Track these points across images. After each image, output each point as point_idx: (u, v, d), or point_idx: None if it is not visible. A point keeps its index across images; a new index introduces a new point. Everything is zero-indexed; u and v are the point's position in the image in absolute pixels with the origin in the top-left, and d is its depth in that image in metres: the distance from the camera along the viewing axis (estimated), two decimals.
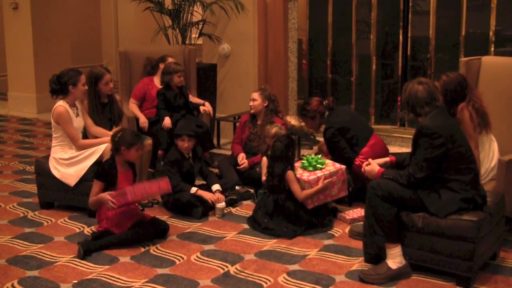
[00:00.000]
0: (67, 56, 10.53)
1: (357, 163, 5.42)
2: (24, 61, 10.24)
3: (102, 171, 4.89)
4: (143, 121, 6.51)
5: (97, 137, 5.58)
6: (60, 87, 5.36)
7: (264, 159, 5.48)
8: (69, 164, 5.37)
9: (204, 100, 6.91)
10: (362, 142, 5.55)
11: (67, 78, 5.36)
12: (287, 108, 8.15)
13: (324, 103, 5.72)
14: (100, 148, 5.28)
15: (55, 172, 5.42)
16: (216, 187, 5.58)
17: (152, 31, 8.48)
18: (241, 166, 6.09)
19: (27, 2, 10.00)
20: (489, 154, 4.78)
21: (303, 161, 5.25)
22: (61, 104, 5.35)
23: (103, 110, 5.77)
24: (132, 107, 6.74)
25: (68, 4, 11.08)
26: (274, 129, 5.53)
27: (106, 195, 4.71)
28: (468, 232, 3.92)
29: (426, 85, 4.12)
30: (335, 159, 5.50)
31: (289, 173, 5.06)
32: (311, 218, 5.02)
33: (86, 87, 5.50)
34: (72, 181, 5.34)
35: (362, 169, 4.52)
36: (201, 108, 6.70)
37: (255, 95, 6.28)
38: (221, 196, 5.48)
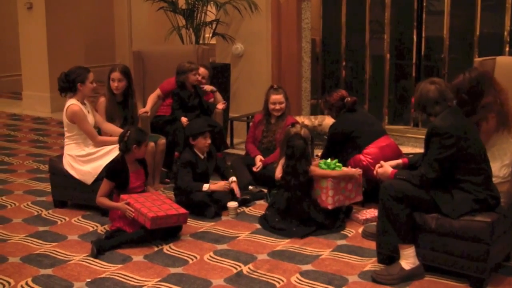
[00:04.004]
0: (81, 55, 10.56)
1: (364, 163, 5.41)
2: (38, 61, 10.28)
3: (114, 172, 4.91)
4: (144, 110, 6.49)
5: (107, 134, 5.66)
6: (68, 84, 5.39)
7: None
8: (85, 161, 5.39)
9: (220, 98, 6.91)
10: (366, 144, 5.53)
11: (75, 75, 5.39)
12: (300, 108, 8.13)
13: (345, 100, 5.71)
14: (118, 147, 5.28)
15: (70, 170, 5.44)
16: (233, 178, 5.63)
17: (165, 31, 8.49)
18: (257, 169, 6.09)
19: (41, 2, 10.03)
20: (506, 153, 4.73)
21: (320, 164, 5.24)
22: (74, 103, 5.38)
23: (118, 107, 5.82)
24: (150, 97, 6.73)
25: (82, 3, 11.11)
26: (299, 129, 5.47)
27: (124, 206, 4.76)
28: (482, 233, 3.91)
29: (438, 85, 4.12)
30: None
31: (311, 167, 5.09)
32: (323, 220, 5.01)
33: (94, 85, 5.54)
34: (89, 179, 5.35)
35: (375, 172, 4.51)
36: (217, 106, 6.73)
37: (281, 98, 6.19)
38: (236, 188, 5.55)
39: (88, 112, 5.52)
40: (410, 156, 4.86)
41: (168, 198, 5.13)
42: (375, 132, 5.63)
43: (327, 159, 5.37)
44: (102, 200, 4.91)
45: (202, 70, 6.75)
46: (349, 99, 5.71)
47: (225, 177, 5.75)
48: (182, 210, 4.90)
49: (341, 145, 5.62)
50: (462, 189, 4.01)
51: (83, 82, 5.41)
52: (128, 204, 4.74)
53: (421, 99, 4.14)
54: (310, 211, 5.00)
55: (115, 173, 4.91)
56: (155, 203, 4.82)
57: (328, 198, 5.04)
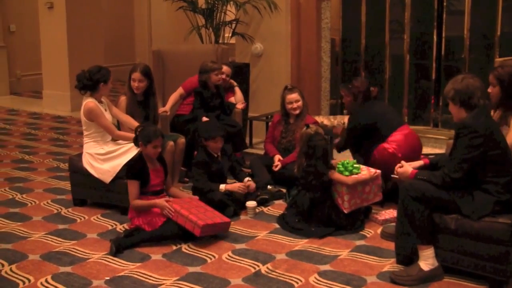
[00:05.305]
0: (101, 54, 10.62)
1: (390, 151, 5.36)
2: (58, 60, 10.35)
3: (134, 171, 4.93)
4: (163, 110, 6.53)
5: (125, 125, 5.72)
6: (92, 83, 5.44)
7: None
8: (105, 159, 5.42)
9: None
10: (389, 132, 5.48)
11: (100, 75, 5.45)
12: (320, 108, 8.12)
13: (371, 88, 5.66)
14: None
15: (89, 168, 5.47)
16: (247, 179, 5.62)
17: (185, 30, 8.52)
18: (276, 169, 6.09)
19: (62, 1, 10.10)
20: None
21: (338, 166, 5.21)
22: (90, 100, 5.43)
23: (138, 106, 5.86)
24: (172, 96, 6.76)
25: (102, 3, 11.17)
26: (315, 128, 5.45)
27: (163, 202, 4.79)
28: (502, 234, 3.88)
29: (478, 79, 4.07)
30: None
31: (331, 171, 5.07)
32: (342, 221, 5.00)
33: (112, 85, 5.66)
34: (108, 177, 5.38)
35: (395, 172, 4.48)
36: (237, 106, 6.74)
37: (297, 96, 6.20)
38: (252, 184, 5.54)
39: (105, 110, 5.55)
40: (431, 156, 4.83)
41: (207, 205, 5.10)
42: (397, 121, 5.59)
43: (345, 150, 5.36)
44: (137, 202, 4.87)
45: (225, 68, 6.77)
46: (373, 88, 5.67)
47: (238, 179, 5.74)
48: (226, 219, 4.95)
49: (362, 138, 5.58)
50: (485, 191, 3.98)
51: (106, 83, 5.49)
52: (170, 205, 4.77)
53: (467, 90, 4.02)
54: (331, 213, 4.99)
55: (135, 171, 4.92)
56: (199, 210, 4.85)
57: (344, 203, 5.02)
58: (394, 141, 5.40)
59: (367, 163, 5.46)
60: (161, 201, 4.81)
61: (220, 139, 5.58)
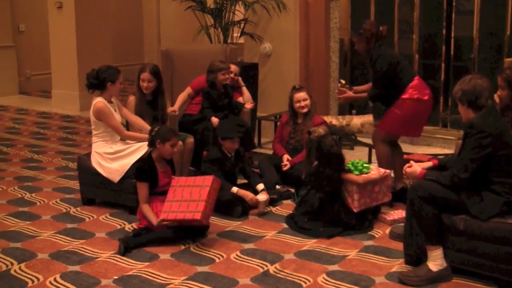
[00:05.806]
0: (110, 54, 10.64)
1: (415, 97, 5.35)
2: (67, 60, 10.37)
3: (144, 172, 4.93)
4: (172, 109, 6.52)
5: (134, 126, 5.72)
6: (98, 82, 5.45)
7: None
8: (113, 159, 5.43)
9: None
10: (408, 79, 5.45)
11: (107, 75, 5.46)
12: (328, 108, 8.11)
13: (380, 28, 5.58)
14: (145, 145, 5.23)
15: (98, 168, 5.49)
16: (261, 186, 5.59)
17: (194, 30, 8.52)
18: (285, 168, 6.08)
19: (71, 1, 10.13)
20: None
21: (348, 165, 5.20)
22: (99, 100, 5.44)
23: (147, 106, 5.87)
24: (180, 95, 6.75)
25: (111, 3, 11.20)
26: (319, 131, 5.43)
27: (160, 223, 4.75)
28: (511, 235, 3.86)
29: (486, 80, 4.06)
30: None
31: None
32: (352, 221, 4.99)
33: (123, 85, 5.63)
34: (116, 177, 5.39)
35: (404, 171, 4.47)
36: (245, 106, 6.73)
37: (304, 95, 6.20)
38: (267, 197, 5.50)
39: (115, 110, 5.56)
40: (440, 157, 4.81)
41: (188, 177, 5.04)
42: (409, 68, 5.61)
43: (378, 101, 5.48)
44: (146, 209, 4.85)
45: (233, 67, 6.77)
46: (381, 28, 5.55)
47: (251, 180, 5.73)
48: (209, 179, 4.83)
49: (387, 83, 5.49)
50: (493, 191, 3.97)
51: (113, 82, 5.48)
52: (166, 220, 4.74)
53: (475, 91, 4.00)
54: (340, 213, 4.98)
55: (145, 173, 4.92)
56: (185, 197, 4.77)
57: (354, 202, 5.01)
58: (412, 87, 5.38)
59: (391, 118, 5.49)
60: (158, 223, 4.75)
61: (237, 140, 5.59)
